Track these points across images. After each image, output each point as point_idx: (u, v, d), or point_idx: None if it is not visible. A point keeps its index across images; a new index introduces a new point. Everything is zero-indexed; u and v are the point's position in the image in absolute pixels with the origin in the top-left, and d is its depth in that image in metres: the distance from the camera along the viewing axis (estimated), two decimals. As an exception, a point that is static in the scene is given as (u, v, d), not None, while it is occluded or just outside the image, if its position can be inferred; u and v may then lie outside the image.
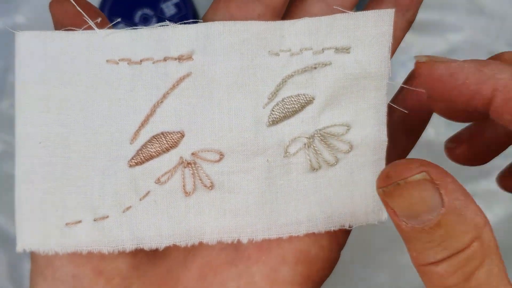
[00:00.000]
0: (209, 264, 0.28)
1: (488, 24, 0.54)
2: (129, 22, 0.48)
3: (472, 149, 0.33)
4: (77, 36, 0.25)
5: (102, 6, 0.46)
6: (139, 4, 0.48)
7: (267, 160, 0.26)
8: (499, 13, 0.54)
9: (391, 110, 0.28)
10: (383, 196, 0.22)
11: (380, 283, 0.48)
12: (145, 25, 0.48)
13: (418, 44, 0.53)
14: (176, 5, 0.47)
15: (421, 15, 0.53)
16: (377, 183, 0.23)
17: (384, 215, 0.28)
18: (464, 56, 0.53)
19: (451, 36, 0.54)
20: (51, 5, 0.27)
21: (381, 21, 0.26)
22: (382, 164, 0.27)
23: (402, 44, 0.29)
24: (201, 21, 0.26)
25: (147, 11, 0.48)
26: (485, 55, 0.53)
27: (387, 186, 0.22)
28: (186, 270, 0.28)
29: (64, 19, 0.26)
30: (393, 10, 0.26)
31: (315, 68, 0.26)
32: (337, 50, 0.26)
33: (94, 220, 0.26)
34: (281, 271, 0.27)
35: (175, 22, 0.26)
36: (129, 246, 0.26)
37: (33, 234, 0.26)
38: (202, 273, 0.28)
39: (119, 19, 0.26)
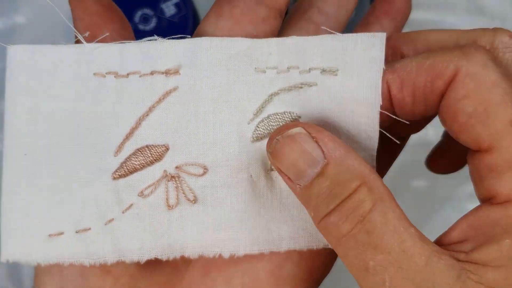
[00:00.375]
0: (213, 262, 0.28)
1: (488, 24, 0.54)
2: (129, 22, 0.48)
3: (448, 159, 0.33)
4: (66, 50, 0.26)
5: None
6: (139, 4, 0.48)
7: (251, 175, 0.27)
8: (499, 13, 0.54)
9: None
10: (271, 158, 0.24)
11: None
12: (145, 25, 0.49)
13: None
14: (176, 5, 0.47)
15: (421, 15, 0.53)
16: (266, 149, 0.25)
17: None
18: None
19: (451, 36, 0.54)
20: (71, 1, 0.27)
21: (372, 45, 0.25)
22: None
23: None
24: (189, 36, 0.26)
25: (147, 11, 0.48)
26: (485, 55, 0.53)
27: (270, 146, 0.24)
28: (191, 267, 0.28)
29: (84, 16, 0.26)
30: (385, 34, 0.25)
31: (301, 87, 0.26)
32: (324, 71, 0.26)
33: (76, 232, 0.26)
34: (285, 267, 0.28)
35: (175, 22, 0.26)
36: (111, 259, 0.26)
37: (17, 244, 0.26)
38: (206, 270, 0.28)
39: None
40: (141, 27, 0.48)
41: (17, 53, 0.26)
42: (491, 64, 0.23)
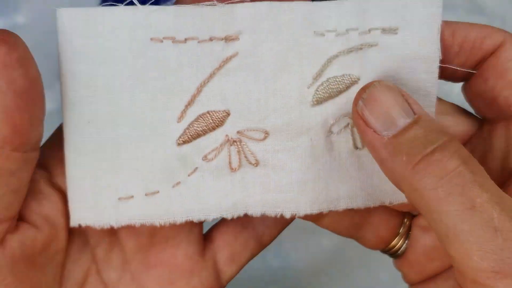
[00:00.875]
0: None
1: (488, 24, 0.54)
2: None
3: None
4: (120, 13, 0.25)
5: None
6: (139, 4, 0.48)
7: (311, 139, 0.27)
8: (499, 13, 0.54)
9: None
10: (362, 107, 0.25)
11: (381, 282, 0.48)
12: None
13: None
14: (176, 5, 0.47)
15: (421, 15, 0.53)
16: (354, 101, 0.25)
17: None
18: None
19: (451, 36, 0.54)
20: None
21: (430, 2, 0.26)
22: None
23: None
24: (248, 0, 0.26)
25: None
26: (485, 55, 0.53)
27: (364, 92, 0.25)
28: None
29: None
30: None
31: (361, 48, 0.26)
32: (384, 30, 0.26)
33: (146, 195, 0.27)
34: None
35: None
36: (180, 218, 0.27)
37: (86, 209, 0.26)
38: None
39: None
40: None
41: (67, 16, 0.25)
42: None
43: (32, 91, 0.23)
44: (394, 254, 0.32)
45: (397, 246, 0.32)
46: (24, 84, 0.23)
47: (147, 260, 0.29)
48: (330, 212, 0.29)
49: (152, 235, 0.29)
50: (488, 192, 0.22)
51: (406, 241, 0.31)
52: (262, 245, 0.31)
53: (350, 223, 0.31)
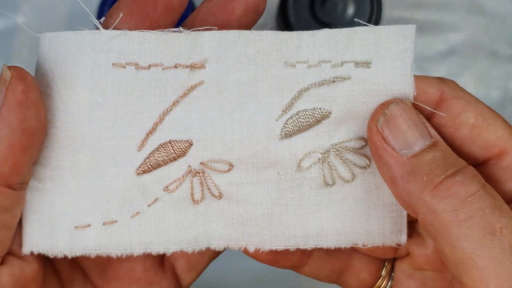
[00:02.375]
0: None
1: (488, 24, 0.54)
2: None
3: None
4: (82, 37, 0.25)
5: (101, 6, 0.46)
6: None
7: (278, 173, 0.26)
8: (499, 13, 0.54)
9: None
10: (383, 123, 0.24)
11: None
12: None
13: (418, 44, 0.53)
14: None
15: (421, 15, 0.53)
16: (370, 121, 0.25)
17: (404, 237, 0.27)
18: (464, 56, 0.53)
19: (451, 36, 0.54)
20: None
21: (402, 36, 0.25)
22: None
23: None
24: (215, 28, 0.25)
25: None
26: (485, 55, 0.53)
27: (379, 118, 0.24)
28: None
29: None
30: (414, 26, 0.26)
31: (334, 82, 0.26)
32: (357, 64, 0.25)
33: (103, 224, 0.26)
34: None
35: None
36: (137, 250, 0.26)
37: (41, 236, 0.26)
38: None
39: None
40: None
41: (46, 40, 0.25)
42: (462, 88, 0.26)
43: (39, 133, 0.23)
44: None
45: None
46: (34, 126, 0.23)
47: (105, 275, 0.29)
48: (310, 260, 0.29)
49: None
50: (506, 217, 0.22)
51: (390, 282, 0.31)
52: (219, 252, 0.31)
53: (331, 270, 0.30)
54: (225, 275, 0.31)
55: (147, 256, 0.29)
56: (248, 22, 0.26)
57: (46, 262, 0.27)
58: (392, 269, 0.31)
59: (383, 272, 0.31)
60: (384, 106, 0.25)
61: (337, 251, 0.29)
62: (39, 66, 0.25)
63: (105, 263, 0.29)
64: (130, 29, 0.25)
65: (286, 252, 0.27)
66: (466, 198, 0.22)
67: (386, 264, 0.31)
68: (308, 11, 0.46)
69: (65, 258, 0.27)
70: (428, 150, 0.23)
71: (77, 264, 0.29)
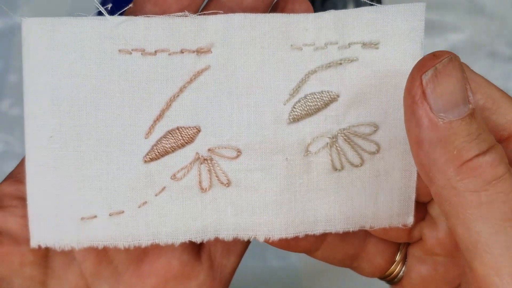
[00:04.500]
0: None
1: (488, 24, 0.54)
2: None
3: None
4: (87, 23, 0.24)
5: (102, 5, 0.46)
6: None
7: (286, 158, 0.26)
8: (499, 13, 0.54)
9: None
10: (431, 77, 0.21)
11: (381, 282, 0.48)
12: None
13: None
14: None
15: (421, 15, 0.53)
16: (415, 70, 0.22)
17: (410, 219, 0.27)
18: (464, 56, 0.53)
19: (451, 36, 0.54)
20: None
21: (412, 15, 0.25)
22: (411, 170, 0.26)
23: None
24: (221, 12, 0.25)
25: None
26: (485, 55, 0.53)
27: (426, 71, 0.22)
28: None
29: None
30: (424, 4, 0.25)
31: (341, 64, 0.25)
32: (365, 45, 0.25)
33: (110, 215, 0.25)
34: None
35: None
36: (145, 241, 0.26)
37: (47, 229, 0.25)
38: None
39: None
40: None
41: (34, 26, 0.24)
42: (472, 70, 0.25)
43: None
44: (391, 281, 0.31)
45: (394, 273, 0.30)
46: None
47: (141, 271, 0.28)
48: (323, 245, 0.28)
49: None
50: None
51: (404, 268, 0.30)
52: None
53: (345, 255, 0.29)
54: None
55: (184, 250, 0.29)
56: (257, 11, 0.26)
57: (61, 253, 0.27)
58: (406, 254, 0.30)
59: (398, 257, 0.30)
60: (436, 58, 0.22)
61: (351, 236, 0.29)
62: (31, 53, 0.24)
63: (141, 257, 0.28)
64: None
65: (299, 237, 0.26)
66: (491, 181, 0.21)
67: (401, 248, 0.30)
68: (308, 11, 0.45)
69: (92, 253, 0.27)
70: (465, 119, 0.21)
71: (108, 259, 0.28)
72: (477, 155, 0.21)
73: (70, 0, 0.48)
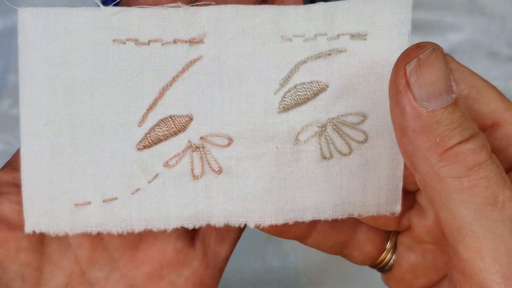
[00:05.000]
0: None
1: (488, 24, 0.54)
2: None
3: None
4: (82, 13, 0.25)
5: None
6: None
7: (277, 146, 0.26)
8: (499, 13, 0.54)
9: None
10: (415, 67, 0.22)
11: (381, 283, 0.48)
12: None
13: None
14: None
15: (421, 15, 0.53)
16: (400, 61, 0.22)
17: (398, 207, 0.27)
18: (464, 56, 0.53)
19: (451, 36, 0.54)
20: None
21: (399, 7, 0.25)
22: (399, 159, 0.27)
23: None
24: (213, 3, 0.25)
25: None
26: (485, 55, 0.53)
27: (410, 61, 0.22)
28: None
29: None
30: None
31: (330, 54, 0.26)
32: (353, 36, 0.26)
33: (103, 201, 0.26)
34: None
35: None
36: (138, 227, 0.26)
37: (41, 215, 0.26)
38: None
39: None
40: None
41: (29, 16, 0.25)
42: (456, 61, 0.25)
43: None
44: (382, 269, 0.32)
45: (384, 261, 0.31)
46: None
47: (135, 257, 0.29)
48: (314, 232, 0.29)
49: (141, 232, 0.28)
50: (510, 189, 0.21)
51: (394, 256, 0.31)
52: None
53: (335, 242, 0.30)
54: (225, 275, 0.32)
55: (178, 237, 0.29)
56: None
57: (57, 240, 0.27)
58: (396, 242, 0.31)
59: (388, 245, 0.31)
60: (419, 49, 0.22)
61: (342, 223, 0.29)
62: (26, 43, 0.25)
63: (136, 244, 0.29)
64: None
65: (292, 224, 0.27)
66: (473, 167, 0.21)
67: (391, 237, 0.31)
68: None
69: (87, 239, 0.27)
70: (448, 108, 0.22)
71: (103, 246, 0.29)
72: (460, 142, 0.21)
73: (69, 0, 0.48)
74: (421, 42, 0.23)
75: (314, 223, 0.29)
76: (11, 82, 0.49)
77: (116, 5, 0.25)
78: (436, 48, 0.22)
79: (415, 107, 0.22)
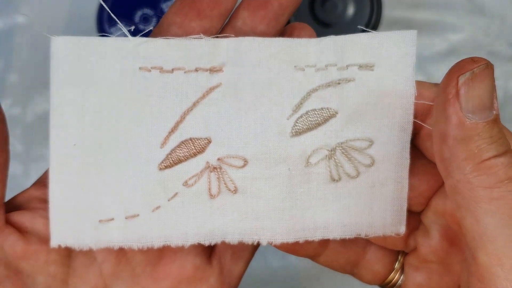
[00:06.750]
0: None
1: (488, 24, 0.54)
2: (129, 21, 0.48)
3: None
4: (111, 44, 0.27)
5: (101, 6, 0.46)
6: (139, 4, 0.48)
7: (289, 168, 0.28)
8: (499, 13, 0.54)
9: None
10: (467, 80, 0.23)
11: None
12: (145, 25, 0.48)
13: (418, 44, 0.52)
14: (176, 5, 0.47)
15: (421, 15, 0.53)
16: (453, 71, 0.24)
17: (402, 228, 0.29)
18: (464, 56, 0.53)
19: (451, 36, 0.54)
20: None
21: (404, 42, 0.27)
22: (404, 182, 0.28)
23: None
24: (232, 35, 0.27)
25: (147, 11, 0.48)
26: (485, 55, 0.53)
27: (464, 73, 0.23)
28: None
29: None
30: (416, 31, 0.27)
31: (339, 83, 0.27)
32: (361, 67, 0.27)
33: (126, 218, 0.27)
34: None
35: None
36: (157, 243, 0.28)
37: (68, 230, 0.27)
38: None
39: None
40: (141, 27, 0.48)
41: (61, 44, 0.26)
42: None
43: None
44: None
45: (393, 281, 0.32)
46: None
47: (156, 273, 0.30)
48: (326, 251, 0.30)
49: (161, 248, 0.29)
50: None
51: (402, 276, 0.32)
52: None
53: (346, 261, 0.31)
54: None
55: (196, 254, 0.30)
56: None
57: (83, 253, 0.29)
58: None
59: (396, 265, 0.32)
60: (474, 63, 0.24)
61: (352, 243, 0.31)
62: (58, 69, 0.26)
63: (157, 260, 0.30)
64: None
65: (304, 242, 0.28)
66: (504, 180, 0.23)
67: (399, 257, 0.32)
68: (308, 11, 0.46)
69: (112, 254, 0.29)
70: (489, 123, 0.23)
71: (126, 261, 0.30)
72: (495, 156, 0.23)
73: (69, 1, 0.48)
74: (475, 57, 0.24)
75: (326, 242, 0.30)
76: (11, 82, 0.49)
77: (146, 35, 0.27)
78: (489, 65, 0.24)
79: (460, 117, 0.23)
